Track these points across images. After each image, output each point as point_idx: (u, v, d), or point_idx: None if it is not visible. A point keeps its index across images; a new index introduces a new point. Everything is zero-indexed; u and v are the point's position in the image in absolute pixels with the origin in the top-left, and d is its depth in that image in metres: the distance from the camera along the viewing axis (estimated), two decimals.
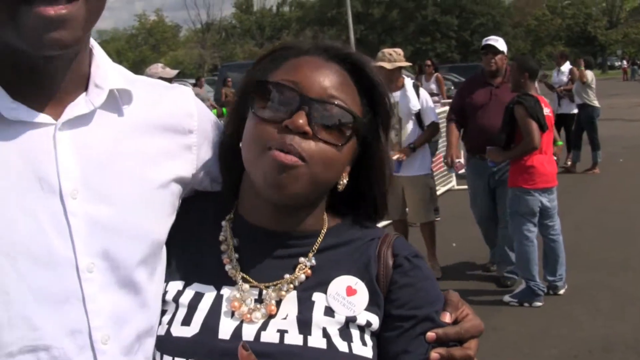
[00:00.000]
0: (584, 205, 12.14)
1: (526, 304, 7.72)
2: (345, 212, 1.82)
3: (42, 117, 1.45)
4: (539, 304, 7.71)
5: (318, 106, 1.59)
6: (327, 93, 1.61)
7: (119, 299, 1.52)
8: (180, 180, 1.70)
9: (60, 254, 1.42)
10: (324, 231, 1.74)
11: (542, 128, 7.53)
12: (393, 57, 8.45)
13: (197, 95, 1.88)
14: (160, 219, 1.64)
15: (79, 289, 1.44)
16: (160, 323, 1.65)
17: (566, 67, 17.03)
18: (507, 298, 7.86)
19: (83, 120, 1.51)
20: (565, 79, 16.63)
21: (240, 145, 1.68)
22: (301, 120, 1.54)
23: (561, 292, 7.98)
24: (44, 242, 1.41)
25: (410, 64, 10.00)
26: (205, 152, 1.79)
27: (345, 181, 1.71)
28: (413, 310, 1.66)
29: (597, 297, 7.93)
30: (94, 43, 1.61)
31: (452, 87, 28.98)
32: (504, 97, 8.06)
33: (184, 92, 1.80)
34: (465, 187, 9.61)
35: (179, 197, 1.73)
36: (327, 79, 1.63)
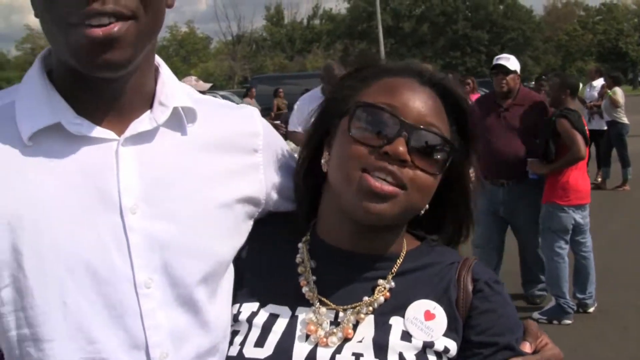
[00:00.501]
0: (615, 223, 11.99)
1: (555, 322, 7.66)
2: (424, 235, 1.81)
3: (106, 133, 1.47)
4: (568, 321, 7.65)
5: (417, 133, 1.57)
6: (424, 120, 1.59)
7: (178, 317, 1.52)
8: (247, 200, 1.69)
9: (118, 269, 1.44)
10: (403, 253, 1.72)
11: (586, 141, 7.55)
12: None
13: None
14: (223, 238, 1.62)
15: (136, 304, 1.45)
16: (232, 343, 1.65)
17: (599, 82, 16.81)
18: (536, 315, 7.79)
19: (146, 137, 1.52)
20: (596, 94, 16.44)
21: (322, 164, 1.68)
22: (401, 147, 1.53)
23: (591, 310, 7.91)
24: (103, 256, 1.43)
25: None
26: (274, 172, 1.78)
27: (426, 205, 1.68)
28: (494, 337, 1.63)
29: (627, 316, 7.83)
30: (160, 62, 1.64)
31: None
32: (513, 120, 7.87)
33: (250, 112, 1.79)
34: None
35: (249, 217, 1.72)
36: (424, 105, 1.61)
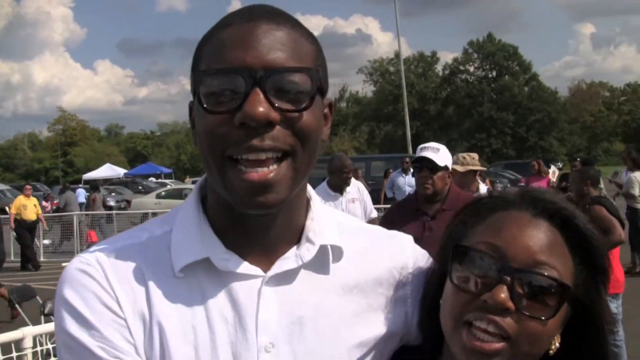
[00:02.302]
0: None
1: None
2: None
3: (251, 269, 1.50)
4: None
5: (522, 276, 1.42)
6: (533, 259, 1.43)
7: None
8: (391, 336, 1.65)
9: None
10: None
11: (622, 226, 7.57)
12: (467, 160, 8.37)
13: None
14: None
15: None
16: None
17: None
18: None
19: (290, 274, 1.52)
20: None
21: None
22: (503, 294, 1.39)
23: None
24: None
25: (484, 168, 9.82)
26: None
27: (557, 345, 1.51)
28: None
29: None
30: (312, 195, 1.65)
31: (509, 185, 28.76)
32: (441, 231, 6.09)
33: (402, 243, 1.75)
34: None
35: (390, 353, 1.67)
36: (533, 241, 1.45)
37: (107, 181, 60.23)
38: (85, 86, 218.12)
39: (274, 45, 1.38)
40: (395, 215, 6.30)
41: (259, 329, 1.47)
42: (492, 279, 1.41)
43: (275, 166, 1.39)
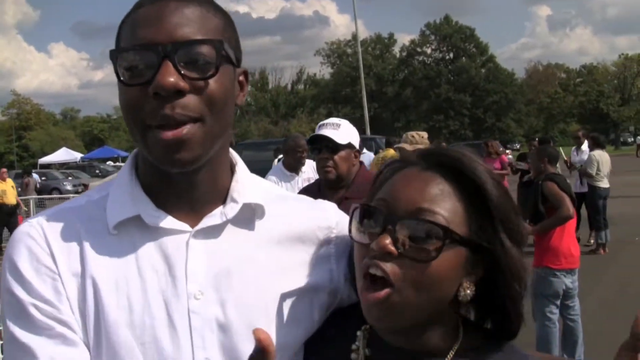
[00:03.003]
0: (603, 286, 11.96)
1: None
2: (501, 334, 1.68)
3: (179, 225, 1.63)
4: None
5: (405, 223, 1.51)
6: (415, 207, 1.53)
7: None
8: (317, 290, 1.76)
9: (182, 347, 1.57)
10: (452, 353, 1.61)
11: (573, 202, 7.68)
12: (415, 139, 8.46)
13: None
14: (285, 326, 1.69)
15: None
16: None
17: (587, 146, 16.79)
18: None
19: (216, 229, 1.66)
20: (585, 157, 16.36)
21: None
22: (386, 241, 1.48)
23: None
24: (171, 334, 1.57)
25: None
26: (347, 262, 1.79)
27: (468, 292, 1.57)
28: None
29: None
30: (238, 160, 1.80)
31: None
32: None
33: (325, 207, 1.89)
34: None
35: (320, 307, 1.78)
36: (416, 192, 1.55)
37: (64, 165, 59.68)
38: (40, 69, 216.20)
39: (181, 21, 1.53)
40: None
41: (189, 278, 1.60)
42: (379, 229, 1.52)
43: (188, 126, 1.52)
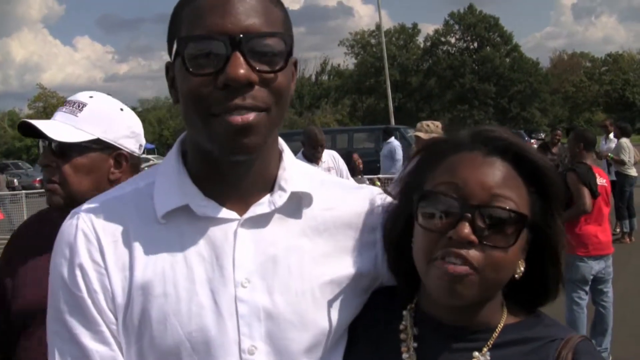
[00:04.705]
0: (627, 275, 11.90)
1: None
2: (530, 306, 1.76)
3: (228, 214, 1.65)
4: None
5: (482, 211, 1.55)
6: (489, 194, 1.56)
7: None
8: (362, 276, 1.78)
9: (229, 335, 1.60)
10: (500, 326, 1.68)
11: (594, 194, 7.67)
12: (430, 128, 8.56)
13: None
14: (330, 312, 1.72)
15: None
16: None
17: (612, 134, 16.63)
18: None
19: (264, 218, 1.68)
20: (613, 146, 16.23)
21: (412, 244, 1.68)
22: (466, 230, 1.52)
23: None
24: (218, 322, 1.60)
25: None
26: None
27: (522, 269, 1.66)
28: None
29: None
30: (284, 148, 1.81)
31: None
32: None
33: (371, 191, 1.90)
34: None
35: (364, 292, 1.81)
36: (488, 178, 1.58)
37: None
38: (65, 63, 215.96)
39: (249, 12, 1.53)
40: None
41: (236, 266, 1.62)
42: (455, 217, 1.55)
43: (254, 114, 1.54)
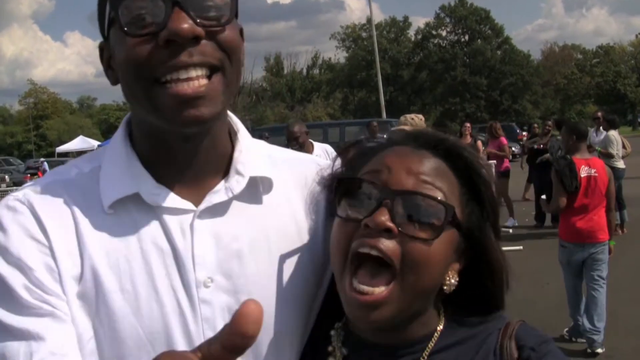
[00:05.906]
0: (619, 267, 11.87)
1: (574, 339, 8.14)
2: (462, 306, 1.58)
3: (182, 203, 1.50)
4: (582, 340, 7.95)
5: (404, 197, 1.40)
6: (415, 180, 1.42)
7: None
8: (328, 262, 1.60)
9: (193, 339, 1.46)
10: (436, 335, 1.52)
11: (566, 188, 7.91)
12: (415, 121, 8.61)
13: None
14: (300, 309, 1.62)
15: None
16: None
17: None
18: (565, 332, 8.31)
19: (221, 207, 1.54)
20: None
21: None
22: (383, 217, 1.36)
23: (599, 350, 7.86)
24: (180, 325, 1.46)
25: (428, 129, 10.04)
26: None
27: (453, 281, 1.49)
28: None
29: None
30: (240, 126, 1.66)
31: (483, 148, 28.85)
32: None
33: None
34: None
35: (330, 277, 1.63)
36: (415, 165, 1.44)
37: (81, 153, 59.65)
38: (56, 58, 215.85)
39: None
40: None
41: (196, 263, 1.48)
42: (374, 204, 1.39)
43: (205, 81, 1.39)
